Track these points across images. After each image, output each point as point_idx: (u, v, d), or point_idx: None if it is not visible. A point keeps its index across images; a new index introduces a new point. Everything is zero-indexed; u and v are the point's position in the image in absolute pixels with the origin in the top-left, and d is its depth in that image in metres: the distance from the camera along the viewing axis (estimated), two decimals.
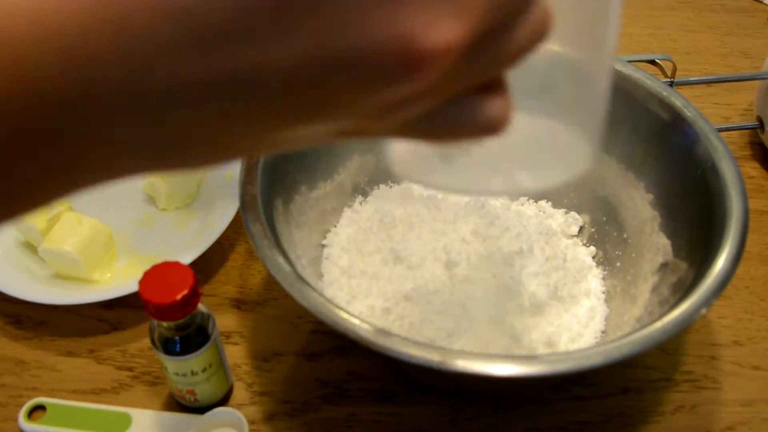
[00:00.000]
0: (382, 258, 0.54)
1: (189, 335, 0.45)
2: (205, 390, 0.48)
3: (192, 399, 0.49)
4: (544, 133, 0.33)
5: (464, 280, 0.53)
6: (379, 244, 0.55)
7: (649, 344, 0.39)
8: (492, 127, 0.23)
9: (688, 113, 0.52)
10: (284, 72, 0.18)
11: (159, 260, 0.44)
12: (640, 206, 0.55)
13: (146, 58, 0.17)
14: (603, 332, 0.52)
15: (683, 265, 0.47)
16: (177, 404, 0.50)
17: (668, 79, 0.64)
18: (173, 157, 0.20)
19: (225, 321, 0.56)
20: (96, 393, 0.51)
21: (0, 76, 0.17)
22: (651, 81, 0.55)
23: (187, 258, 0.55)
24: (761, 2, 0.94)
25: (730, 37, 0.88)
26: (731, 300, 0.57)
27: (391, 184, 0.62)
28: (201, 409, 0.49)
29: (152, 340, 0.45)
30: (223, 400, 0.51)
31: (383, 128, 0.22)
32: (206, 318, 0.46)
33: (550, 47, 0.28)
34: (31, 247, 0.59)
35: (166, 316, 0.42)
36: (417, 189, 0.62)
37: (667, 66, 0.64)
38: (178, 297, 0.41)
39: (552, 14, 0.22)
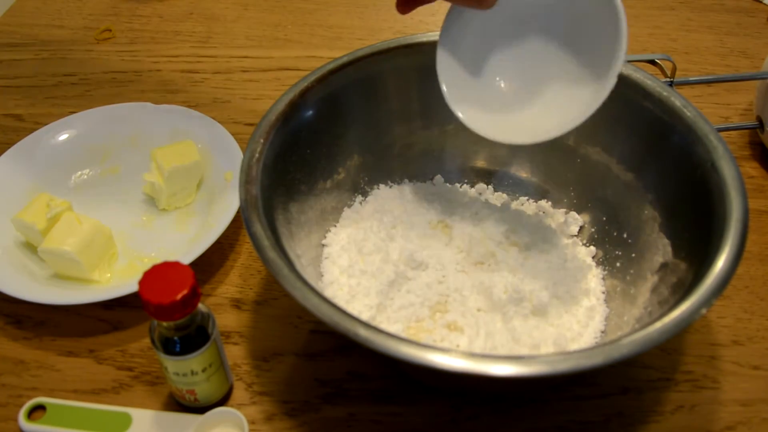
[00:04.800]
0: (381, 257, 0.54)
1: (189, 335, 0.45)
2: (204, 390, 0.48)
3: (192, 399, 0.49)
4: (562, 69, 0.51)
5: (463, 280, 0.53)
6: (378, 243, 0.55)
7: (649, 344, 0.39)
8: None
9: (688, 113, 0.52)
10: None
11: (159, 260, 0.44)
12: (640, 206, 0.55)
13: None
14: (603, 332, 0.52)
15: (683, 265, 0.47)
16: (177, 404, 0.50)
17: (668, 79, 0.64)
18: None
19: (225, 321, 0.56)
20: (96, 393, 0.52)
21: None
22: (651, 81, 0.55)
23: (187, 258, 0.55)
24: (761, 2, 0.94)
25: (729, 37, 0.88)
26: (731, 300, 0.57)
27: (391, 184, 0.62)
28: (201, 409, 0.49)
29: (152, 340, 0.45)
30: (223, 400, 0.51)
31: None
32: (206, 318, 0.46)
33: None
34: (31, 247, 0.59)
35: (166, 316, 0.42)
36: (417, 188, 0.62)
37: (667, 66, 0.64)
38: (178, 297, 0.41)
39: None
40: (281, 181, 0.52)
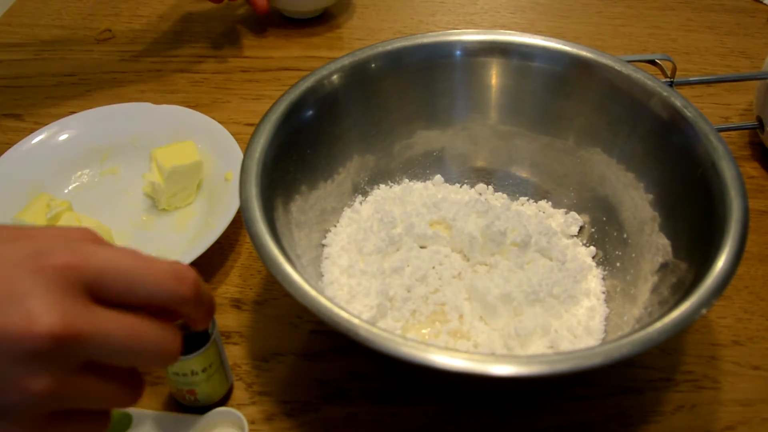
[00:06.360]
0: (381, 258, 0.54)
1: (189, 335, 0.45)
2: (204, 390, 0.48)
3: (192, 399, 0.49)
4: None
5: (463, 281, 0.53)
6: (378, 243, 0.55)
7: (649, 344, 0.39)
8: None
9: (688, 113, 0.52)
10: None
11: None
12: (640, 206, 0.55)
13: None
14: (603, 332, 0.52)
15: (683, 265, 0.47)
16: (177, 404, 0.50)
17: (668, 79, 0.64)
18: None
19: (225, 321, 0.56)
20: None
21: None
22: (651, 81, 0.55)
23: (187, 258, 0.55)
24: (761, 2, 0.94)
25: (729, 37, 0.88)
26: (731, 300, 0.57)
27: (391, 184, 0.62)
28: (201, 409, 0.49)
29: None
30: (223, 400, 0.51)
31: None
32: None
33: None
34: None
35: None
36: (417, 188, 0.62)
37: (667, 66, 0.64)
38: None
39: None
40: (281, 181, 0.52)
